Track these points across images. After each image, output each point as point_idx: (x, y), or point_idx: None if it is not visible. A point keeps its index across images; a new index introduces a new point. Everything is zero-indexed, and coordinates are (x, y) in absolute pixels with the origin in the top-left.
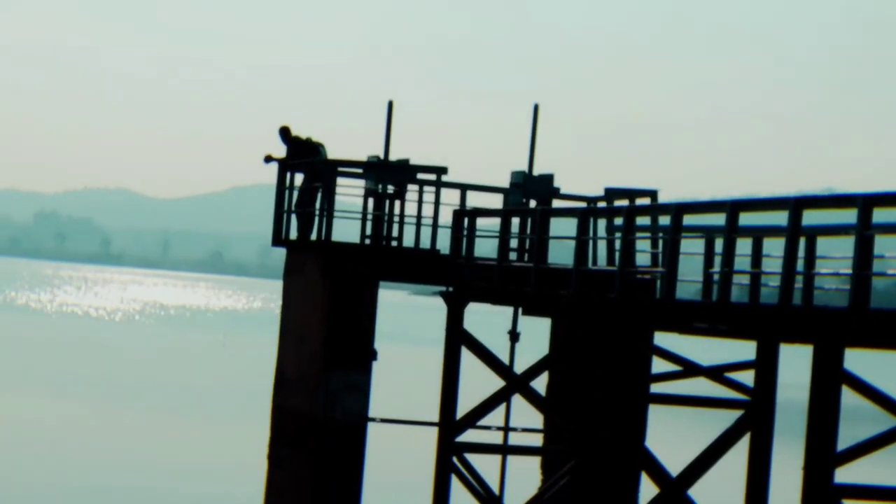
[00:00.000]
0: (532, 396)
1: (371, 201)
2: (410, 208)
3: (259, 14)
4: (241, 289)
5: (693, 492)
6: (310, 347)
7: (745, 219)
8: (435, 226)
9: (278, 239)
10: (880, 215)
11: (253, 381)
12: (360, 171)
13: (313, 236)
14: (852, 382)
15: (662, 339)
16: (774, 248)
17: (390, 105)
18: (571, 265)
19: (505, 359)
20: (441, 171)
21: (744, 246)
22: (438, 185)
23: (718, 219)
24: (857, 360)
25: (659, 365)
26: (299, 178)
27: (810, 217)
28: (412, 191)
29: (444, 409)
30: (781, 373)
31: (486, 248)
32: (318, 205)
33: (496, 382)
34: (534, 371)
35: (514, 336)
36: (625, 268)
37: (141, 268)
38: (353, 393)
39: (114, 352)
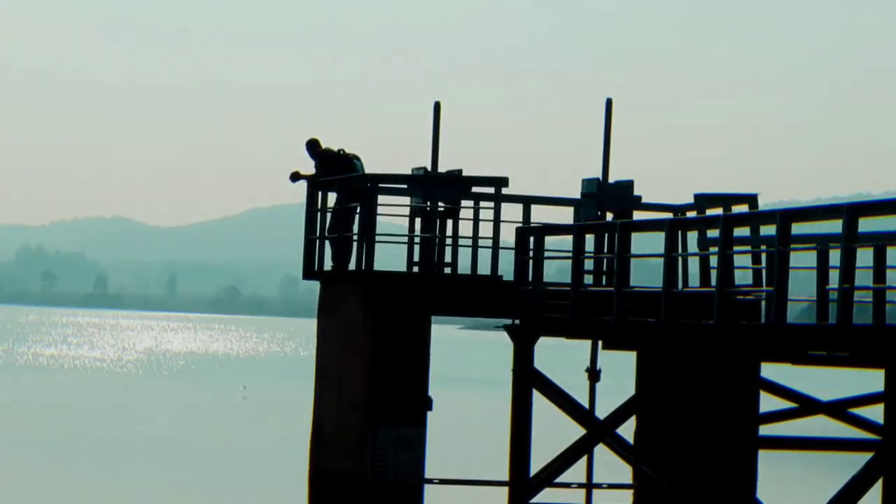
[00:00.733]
0: (618, 446)
1: (419, 222)
2: (465, 228)
3: (270, 20)
4: (261, 330)
5: None
6: (352, 398)
7: (865, 225)
8: (495, 247)
9: (310, 270)
10: None
11: (283, 438)
12: (404, 186)
13: (351, 266)
14: None
15: (771, 370)
16: None
17: (437, 107)
18: (659, 287)
19: (584, 402)
20: (501, 182)
21: (864, 257)
22: (498, 199)
23: (831, 226)
24: None
25: (768, 402)
26: (332, 199)
27: None
28: (467, 207)
29: (514, 464)
30: None
31: (555, 271)
32: (355, 228)
33: (575, 431)
34: (619, 416)
35: (593, 374)
36: (724, 288)
37: (144, 310)
38: (406, 450)
39: (117, 411)
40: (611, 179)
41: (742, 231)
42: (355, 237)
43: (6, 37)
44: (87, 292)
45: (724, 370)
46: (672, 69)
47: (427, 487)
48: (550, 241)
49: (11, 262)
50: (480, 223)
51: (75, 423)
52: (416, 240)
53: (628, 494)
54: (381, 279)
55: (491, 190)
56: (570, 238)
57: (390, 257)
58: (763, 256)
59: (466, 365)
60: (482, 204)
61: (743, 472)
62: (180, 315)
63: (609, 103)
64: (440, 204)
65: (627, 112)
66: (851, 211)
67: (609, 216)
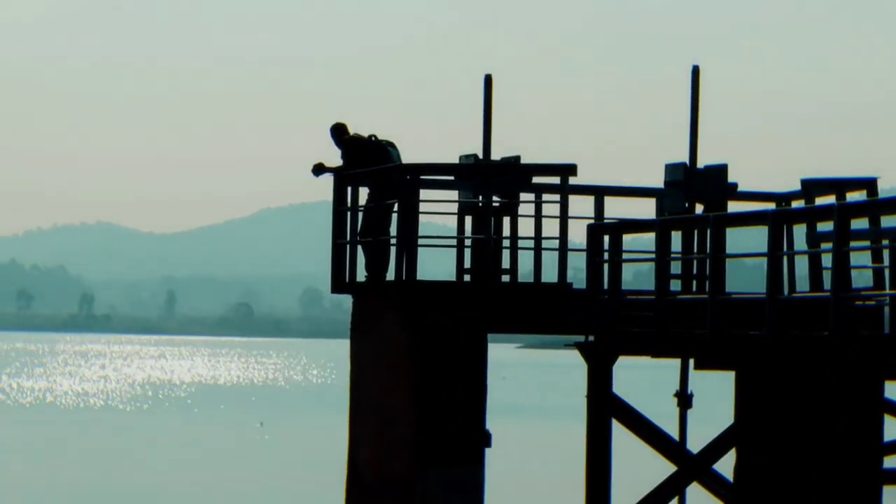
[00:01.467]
0: (714, 484)
1: (469, 220)
2: (526, 227)
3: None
4: (279, 353)
5: None
6: (395, 434)
7: None
8: (563, 249)
9: (339, 282)
10: None
11: (311, 484)
12: (451, 178)
13: (389, 275)
14: None
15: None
16: None
17: (488, 82)
18: (761, 293)
19: (674, 433)
20: (568, 170)
21: None
22: (565, 190)
23: None
24: None
25: (893, 428)
26: (364, 195)
27: None
28: (527, 202)
29: None
30: None
31: (632, 276)
32: (393, 230)
33: (663, 467)
34: (715, 448)
35: (684, 399)
36: (840, 292)
37: (138, 333)
38: (462, 495)
39: (109, 455)
40: (700, 164)
41: (860, 223)
42: (393, 241)
43: None
44: (70, 314)
45: (841, 391)
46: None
47: None
48: (628, 240)
49: None
50: (544, 220)
51: (60, 471)
52: (467, 242)
53: None
54: (425, 291)
55: (556, 180)
56: (652, 236)
57: (436, 264)
58: (885, 253)
59: (531, 391)
60: (545, 197)
61: None
62: (182, 339)
63: (695, 72)
64: (495, 199)
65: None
66: None
67: (699, 208)
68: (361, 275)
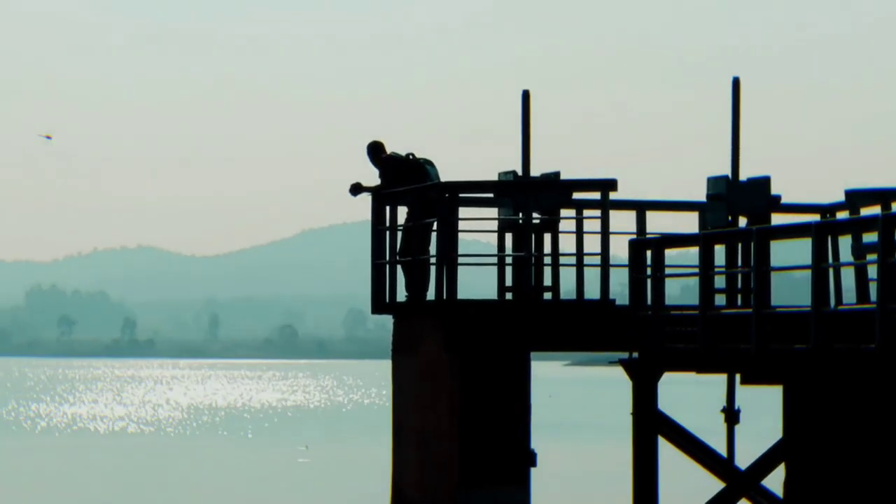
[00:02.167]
0: (763, 500)
1: (510, 238)
2: (567, 243)
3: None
4: (324, 376)
5: None
6: (438, 455)
7: None
8: (605, 265)
9: (380, 303)
10: None
11: (353, 503)
12: (490, 195)
13: (430, 295)
14: None
15: None
16: None
17: (526, 98)
18: (806, 306)
19: (721, 449)
20: (609, 185)
21: None
22: (606, 206)
23: None
24: None
25: None
26: (403, 214)
27: None
28: (568, 218)
29: None
30: None
31: (679, 291)
32: (433, 249)
33: (711, 484)
34: (764, 465)
35: (731, 416)
36: (885, 303)
37: (182, 357)
38: None
39: (152, 480)
40: (742, 177)
41: None
42: (433, 260)
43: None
44: (113, 339)
45: (891, 405)
46: (804, 47)
47: None
48: (673, 255)
49: (21, 306)
50: (585, 236)
51: (102, 498)
52: (508, 260)
53: None
54: (467, 310)
55: (596, 195)
56: (695, 250)
57: (478, 283)
58: None
59: (575, 409)
60: (586, 213)
61: None
62: (225, 362)
63: (736, 84)
64: (535, 215)
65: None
66: None
67: (742, 221)
68: (402, 295)
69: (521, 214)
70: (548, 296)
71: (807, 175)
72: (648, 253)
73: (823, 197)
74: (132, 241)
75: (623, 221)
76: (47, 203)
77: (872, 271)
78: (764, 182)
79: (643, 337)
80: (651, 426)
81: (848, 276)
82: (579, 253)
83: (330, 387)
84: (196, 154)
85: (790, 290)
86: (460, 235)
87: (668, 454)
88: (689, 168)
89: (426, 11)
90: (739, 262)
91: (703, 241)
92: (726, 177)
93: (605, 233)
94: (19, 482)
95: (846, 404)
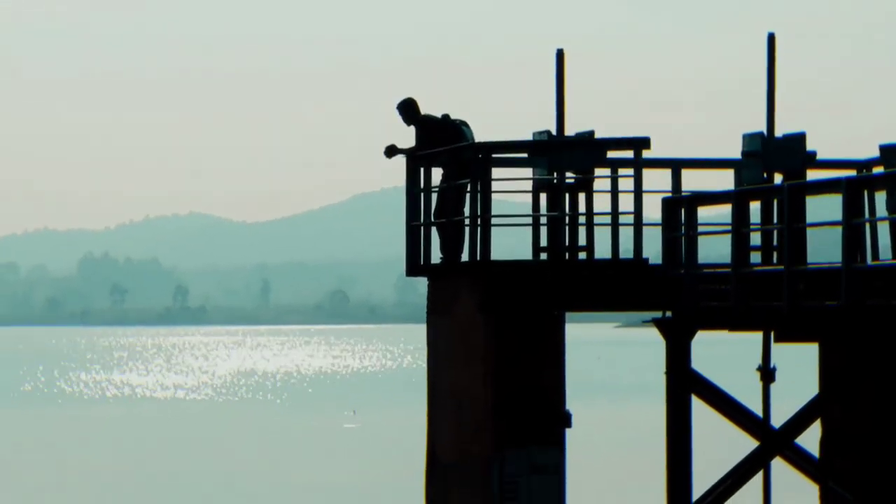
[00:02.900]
0: (801, 460)
1: (544, 198)
2: (601, 202)
3: None
4: (375, 340)
5: None
6: (473, 417)
7: None
8: (638, 224)
9: (415, 265)
10: None
11: (400, 468)
12: (524, 155)
13: (464, 256)
14: None
15: None
16: None
17: (560, 57)
18: (838, 263)
19: (757, 408)
20: (642, 144)
21: None
22: (639, 164)
23: None
24: None
25: None
26: (437, 175)
27: None
28: (602, 177)
29: (673, 488)
30: None
31: (712, 249)
32: (467, 211)
33: (746, 443)
34: (800, 422)
35: (766, 374)
36: None
37: (234, 324)
38: (542, 477)
39: (203, 444)
40: (777, 133)
41: None
42: (467, 221)
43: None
44: (165, 306)
45: None
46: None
47: None
48: (707, 213)
49: (74, 275)
50: (620, 196)
51: (154, 462)
52: (543, 220)
53: None
54: (501, 270)
55: (629, 154)
56: (730, 208)
57: (512, 243)
58: None
59: (611, 370)
60: (620, 172)
61: None
62: (277, 328)
63: (771, 40)
64: (569, 175)
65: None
66: None
67: (778, 179)
68: (437, 256)
69: (555, 174)
70: (582, 256)
71: (844, 132)
72: (682, 210)
73: (860, 153)
74: (184, 209)
75: (659, 180)
76: (99, 172)
77: None
78: (799, 138)
79: (676, 295)
80: (685, 385)
81: (885, 232)
82: (614, 212)
83: (380, 351)
84: (247, 120)
85: (830, 248)
86: (495, 196)
87: (702, 413)
88: (725, 126)
89: None
90: (775, 220)
91: (735, 198)
92: (761, 133)
93: (638, 191)
94: (76, 450)
95: (880, 361)
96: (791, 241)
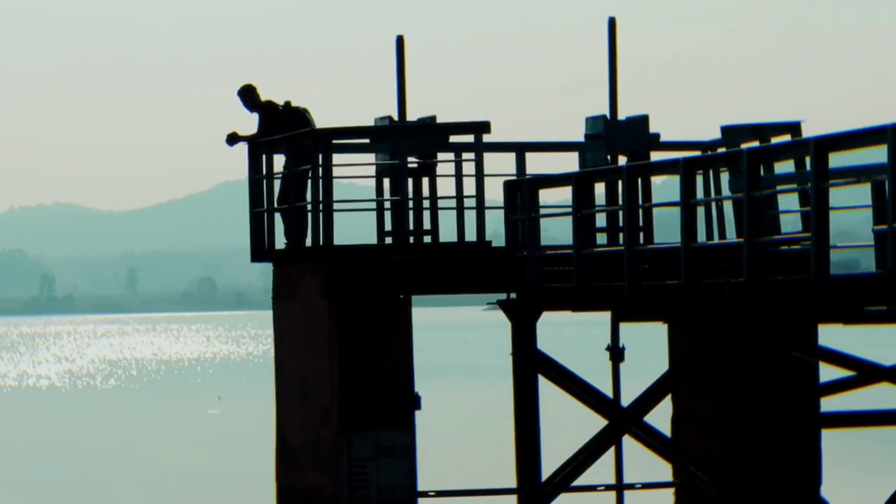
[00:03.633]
0: (651, 437)
1: (387, 182)
2: (445, 186)
3: None
4: (244, 327)
5: None
6: (320, 402)
7: None
8: (480, 207)
9: (259, 250)
10: None
11: (255, 453)
12: (366, 140)
13: (308, 242)
14: None
15: (821, 333)
16: None
17: (400, 43)
18: (676, 243)
19: (606, 388)
20: (481, 128)
21: None
22: (479, 148)
23: (879, 154)
24: None
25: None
26: (280, 162)
27: None
28: (444, 161)
29: (522, 468)
30: None
31: (561, 231)
32: (310, 196)
33: (595, 422)
34: (649, 400)
35: (615, 353)
36: (753, 237)
37: (100, 312)
38: (391, 459)
39: (67, 434)
40: (621, 116)
41: (785, 167)
42: (310, 206)
43: None
44: (31, 296)
45: (763, 337)
46: None
47: (421, 502)
48: (549, 195)
49: None
50: (465, 179)
51: (16, 451)
52: (387, 205)
53: (668, 494)
54: (344, 255)
55: (470, 138)
56: (570, 190)
57: (355, 228)
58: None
59: (458, 353)
60: (465, 156)
61: (804, 459)
62: (144, 316)
63: (612, 24)
64: (412, 159)
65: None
66: None
67: (622, 161)
68: (282, 243)
69: (398, 159)
70: (427, 239)
71: (687, 115)
72: (520, 194)
73: (704, 134)
74: (48, 199)
75: (504, 164)
76: None
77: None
78: (642, 120)
79: (519, 278)
80: (530, 366)
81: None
82: (459, 196)
83: (249, 337)
84: (108, 108)
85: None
86: (340, 181)
87: (551, 395)
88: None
89: None
90: (621, 200)
91: (575, 180)
92: (604, 116)
93: (479, 175)
94: None
95: (720, 339)
96: (630, 222)
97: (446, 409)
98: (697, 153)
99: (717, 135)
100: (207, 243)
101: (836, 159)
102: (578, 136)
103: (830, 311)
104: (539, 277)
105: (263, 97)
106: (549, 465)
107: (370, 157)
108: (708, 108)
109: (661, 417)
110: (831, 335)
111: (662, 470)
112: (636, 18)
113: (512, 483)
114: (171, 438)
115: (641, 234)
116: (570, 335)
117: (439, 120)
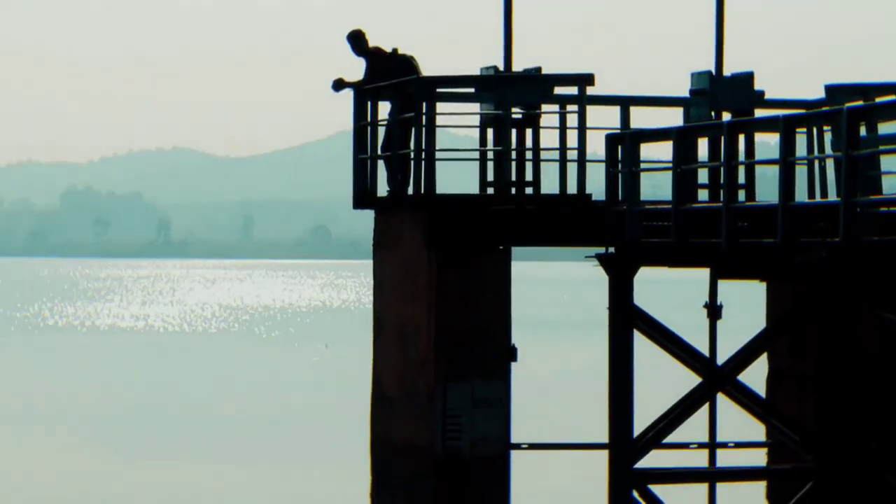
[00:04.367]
0: (745, 397)
1: (491, 133)
2: (548, 138)
3: None
4: (356, 275)
5: None
6: (417, 351)
7: None
8: (582, 160)
9: (361, 198)
10: None
11: (356, 401)
12: (471, 90)
13: (410, 190)
14: None
15: None
16: None
17: None
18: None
19: (702, 346)
20: (586, 80)
21: None
22: (583, 101)
23: None
24: None
25: None
26: (385, 109)
27: None
28: (549, 113)
29: (615, 424)
30: None
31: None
32: (413, 144)
33: (690, 380)
34: (744, 358)
35: (713, 311)
36: (850, 197)
37: (215, 257)
38: (485, 411)
39: (169, 378)
40: (726, 73)
41: (889, 128)
42: (413, 155)
43: None
44: (147, 240)
45: (858, 298)
46: None
47: (514, 455)
48: (651, 150)
49: (57, 208)
50: (568, 132)
51: (129, 392)
52: (489, 155)
53: (760, 455)
54: (446, 204)
55: (575, 90)
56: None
57: (459, 178)
58: None
59: (557, 305)
60: (569, 108)
61: None
62: (259, 262)
63: None
64: (516, 110)
65: None
66: None
67: (727, 117)
68: (385, 190)
69: (502, 110)
70: (529, 191)
71: (793, 73)
72: (623, 148)
73: (810, 93)
74: (168, 143)
75: (608, 117)
76: (84, 105)
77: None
78: (747, 78)
79: (619, 232)
80: (627, 320)
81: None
82: (562, 148)
83: (361, 286)
84: (230, 56)
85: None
86: (444, 131)
87: (647, 350)
88: (673, 64)
89: None
90: (723, 156)
91: (676, 135)
92: (709, 72)
93: (582, 127)
94: (53, 379)
95: (816, 299)
96: (730, 179)
97: (542, 362)
98: (802, 111)
99: (823, 94)
100: (323, 191)
101: None
102: (683, 93)
103: None
104: (638, 232)
105: (371, 44)
106: (642, 421)
107: (474, 107)
108: (816, 66)
109: (756, 376)
110: None
111: (756, 429)
112: None
113: (604, 438)
114: (274, 384)
115: (744, 192)
116: (669, 292)
117: (544, 71)
